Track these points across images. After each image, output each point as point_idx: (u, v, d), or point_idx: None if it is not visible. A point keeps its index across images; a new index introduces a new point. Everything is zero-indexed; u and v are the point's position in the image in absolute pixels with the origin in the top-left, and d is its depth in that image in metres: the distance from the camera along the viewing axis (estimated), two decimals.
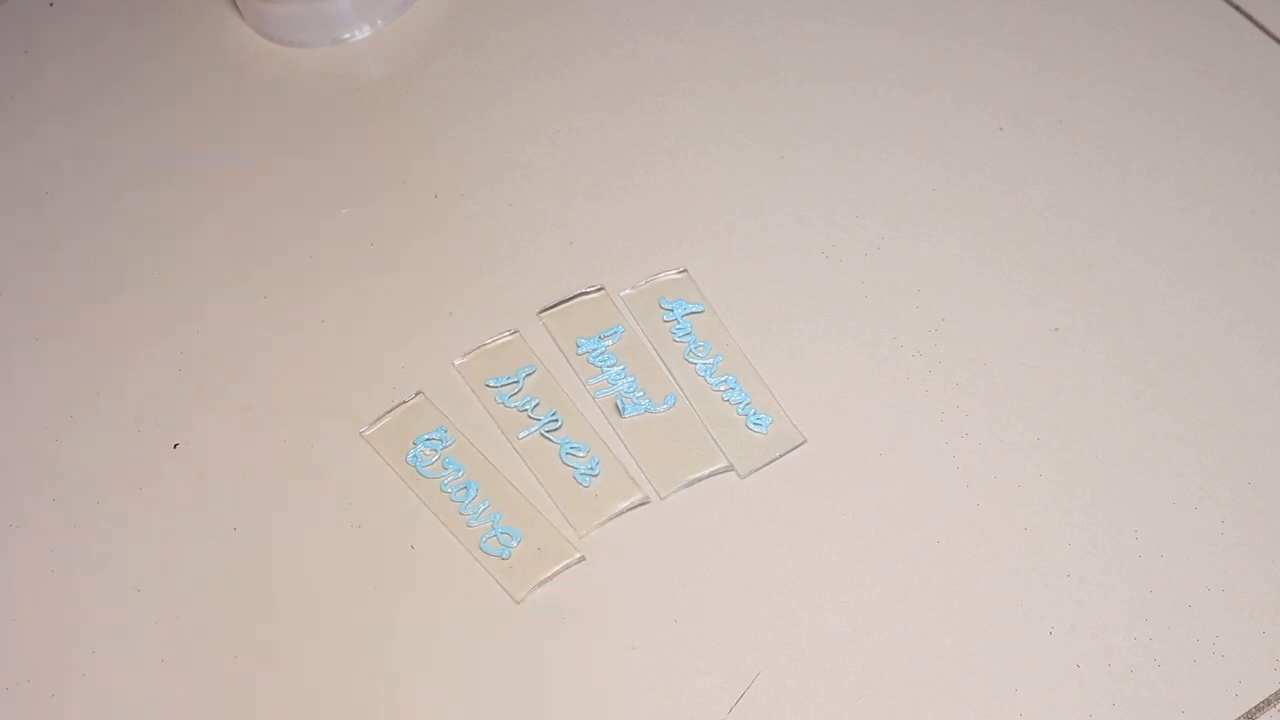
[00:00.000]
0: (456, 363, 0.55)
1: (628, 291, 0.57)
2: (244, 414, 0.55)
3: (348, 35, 0.68)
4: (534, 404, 0.53)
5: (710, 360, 0.54)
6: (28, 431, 0.55)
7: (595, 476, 0.51)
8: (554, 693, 0.46)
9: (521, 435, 0.52)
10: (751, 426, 0.52)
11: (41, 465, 0.54)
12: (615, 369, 0.54)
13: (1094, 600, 0.47)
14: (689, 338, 0.55)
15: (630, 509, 0.51)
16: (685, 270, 0.57)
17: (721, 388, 0.53)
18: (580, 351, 0.55)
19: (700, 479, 0.51)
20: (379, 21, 0.68)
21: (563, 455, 0.52)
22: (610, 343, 0.55)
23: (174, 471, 0.53)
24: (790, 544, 0.49)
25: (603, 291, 0.57)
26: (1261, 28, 0.65)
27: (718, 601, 0.48)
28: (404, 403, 0.54)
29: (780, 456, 0.51)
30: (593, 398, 0.54)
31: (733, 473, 0.51)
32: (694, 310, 0.56)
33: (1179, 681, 0.46)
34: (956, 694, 0.46)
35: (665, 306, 0.56)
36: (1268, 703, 0.45)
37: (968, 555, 0.49)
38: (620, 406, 0.53)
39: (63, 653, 0.49)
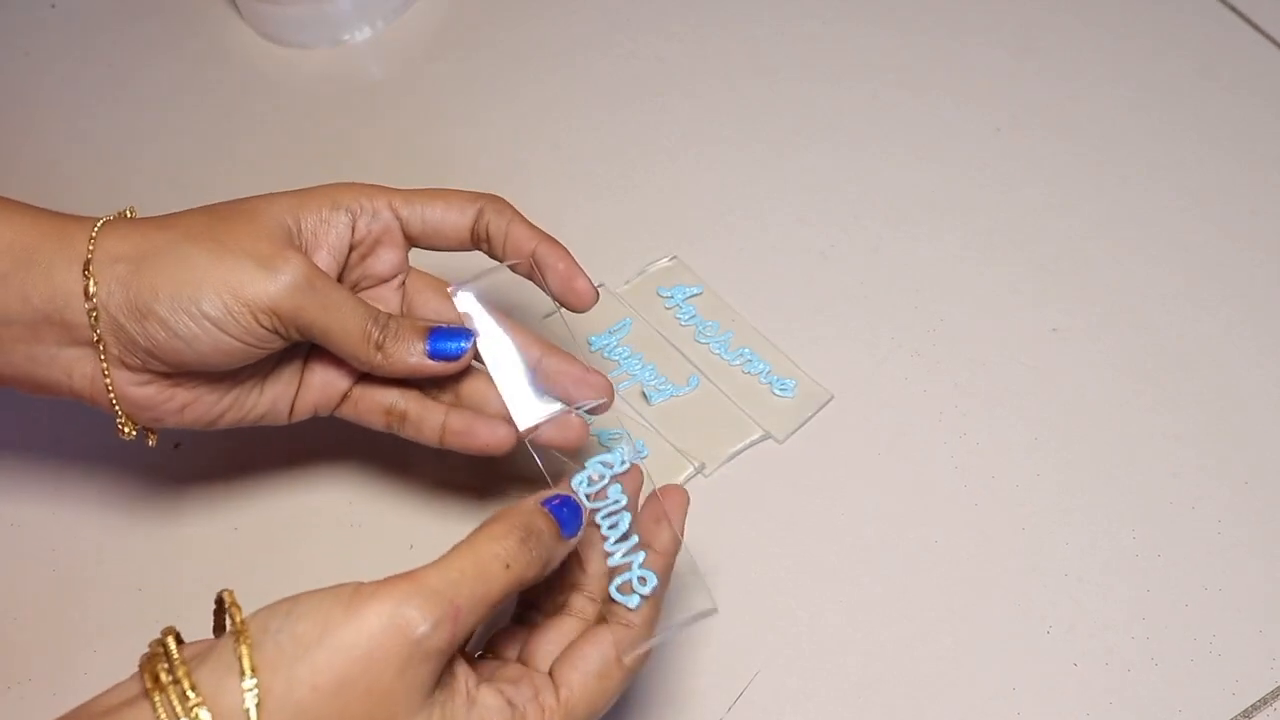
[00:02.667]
0: None
1: (624, 287, 0.57)
2: None
3: (348, 36, 0.68)
4: None
5: (721, 337, 0.55)
6: (28, 431, 0.55)
7: (644, 458, 0.52)
8: None
9: None
10: (778, 393, 0.53)
11: (47, 464, 0.54)
12: (632, 360, 0.54)
13: (1092, 599, 0.47)
14: (695, 320, 0.55)
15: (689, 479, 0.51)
16: (675, 256, 0.57)
17: (739, 361, 0.54)
18: (594, 349, 0.55)
19: (738, 452, 0.52)
20: (379, 22, 0.69)
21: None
22: (621, 336, 0.55)
23: (174, 471, 0.53)
24: (788, 543, 0.50)
25: (602, 287, 0.57)
26: (1258, 29, 0.65)
27: (716, 600, 0.48)
28: None
29: (812, 416, 0.53)
30: (616, 390, 0.54)
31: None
32: (693, 293, 0.56)
33: (1176, 680, 0.46)
34: (955, 693, 0.46)
35: (664, 295, 0.56)
36: (1265, 701, 0.45)
37: (966, 555, 0.49)
38: (646, 395, 0.53)
39: (63, 652, 0.49)
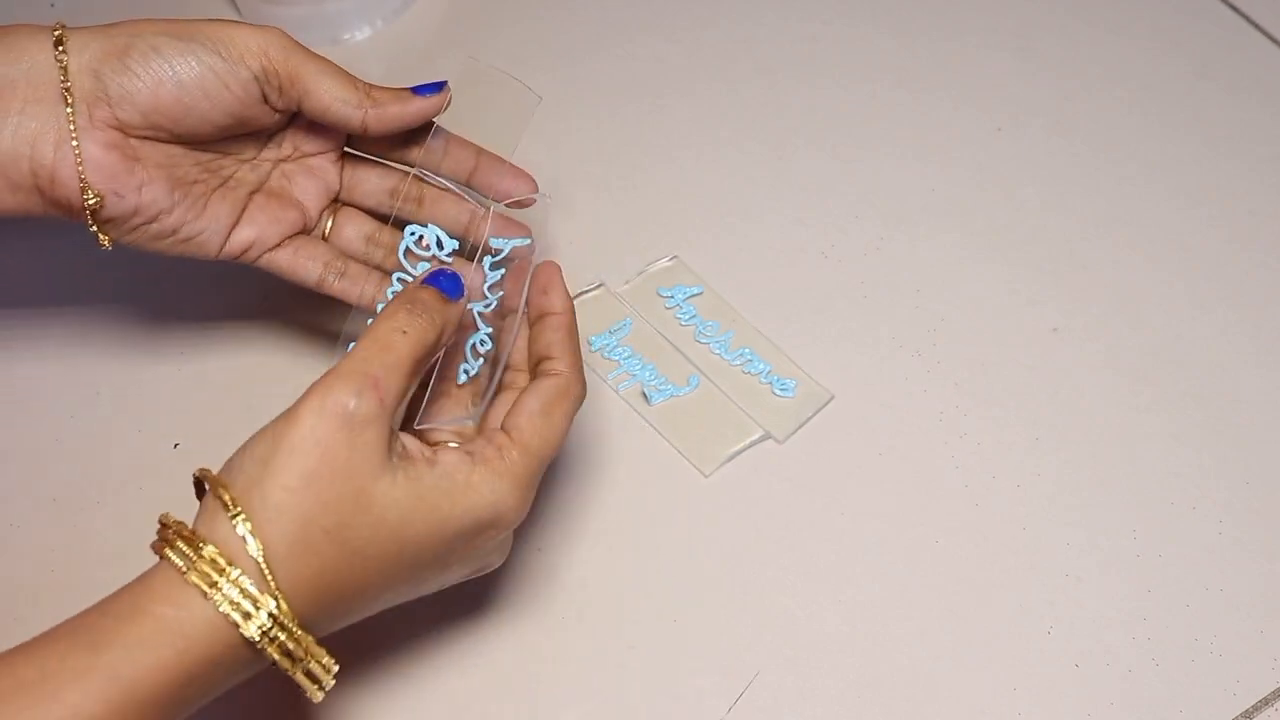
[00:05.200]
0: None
1: (624, 286, 0.57)
2: (242, 414, 0.55)
3: (348, 35, 0.68)
4: None
5: (722, 337, 0.55)
6: (28, 431, 0.55)
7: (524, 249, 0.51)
8: (555, 692, 0.46)
9: None
10: (778, 392, 0.53)
11: (41, 465, 0.54)
12: (632, 360, 0.55)
13: (1092, 600, 0.48)
14: (695, 320, 0.55)
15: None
16: (675, 256, 0.57)
17: (739, 361, 0.54)
18: (594, 348, 0.55)
19: (738, 453, 0.52)
20: (379, 21, 0.69)
21: None
22: (621, 336, 0.55)
23: (174, 471, 0.53)
24: (788, 543, 0.50)
25: (603, 288, 0.57)
26: (1259, 28, 0.65)
27: (716, 601, 0.48)
28: None
29: (812, 416, 0.53)
30: (615, 390, 0.54)
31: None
32: (694, 293, 0.56)
33: (1177, 681, 0.46)
34: (955, 693, 0.46)
35: (664, 294, 0.56)
36: (1265, 702, 0.45)
37: (966, 554, 0.49)
38: (646, 395, 0.53)
39: None
